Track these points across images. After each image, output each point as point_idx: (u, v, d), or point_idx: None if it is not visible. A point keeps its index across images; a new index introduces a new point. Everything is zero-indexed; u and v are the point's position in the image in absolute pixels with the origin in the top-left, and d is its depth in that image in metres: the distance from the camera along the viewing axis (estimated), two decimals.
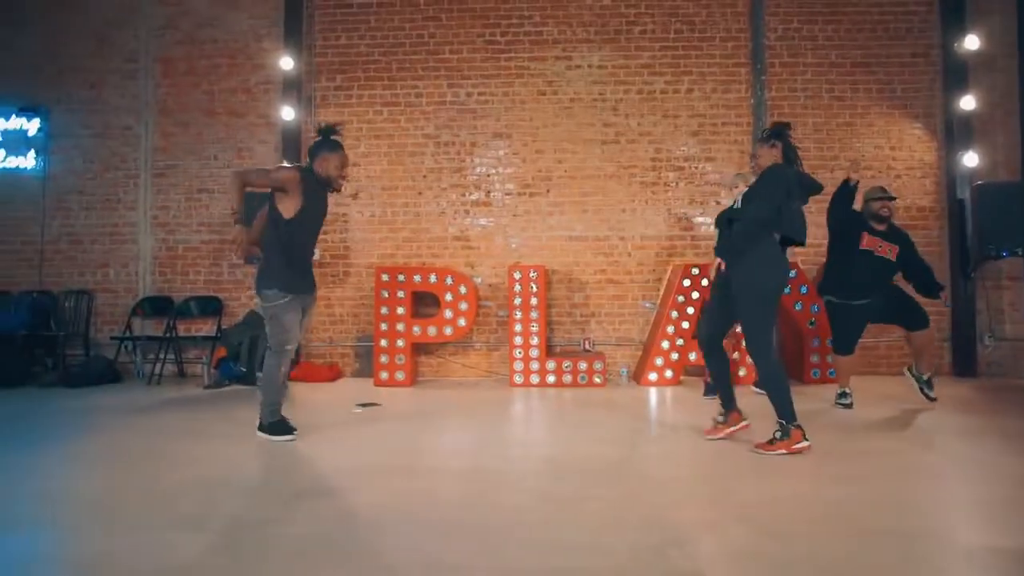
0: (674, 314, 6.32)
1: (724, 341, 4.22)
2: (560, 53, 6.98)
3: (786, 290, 5.65)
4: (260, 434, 4.01)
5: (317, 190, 3.93)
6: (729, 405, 4.03)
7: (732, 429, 3.98)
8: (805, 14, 6.91)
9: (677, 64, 6.95)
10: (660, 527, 2.56)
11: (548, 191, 6.97)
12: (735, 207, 3.99)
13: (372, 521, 2.66)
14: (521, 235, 6.97)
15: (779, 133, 3.93)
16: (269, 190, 3.87)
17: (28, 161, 7.12)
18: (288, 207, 3.83)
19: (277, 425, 4.00)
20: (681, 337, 6.32)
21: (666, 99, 6.95)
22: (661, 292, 6.83)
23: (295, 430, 4.03)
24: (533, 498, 2.98)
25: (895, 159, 6.86)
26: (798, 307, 6.24)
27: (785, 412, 3.64)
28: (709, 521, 2.64)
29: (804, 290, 6.24)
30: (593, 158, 6.95)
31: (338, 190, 4.04)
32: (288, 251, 3.88)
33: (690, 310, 6.30)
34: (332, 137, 3.96)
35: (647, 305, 6.84)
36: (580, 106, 6.98)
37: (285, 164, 3.73)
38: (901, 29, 6.88)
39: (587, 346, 6.77)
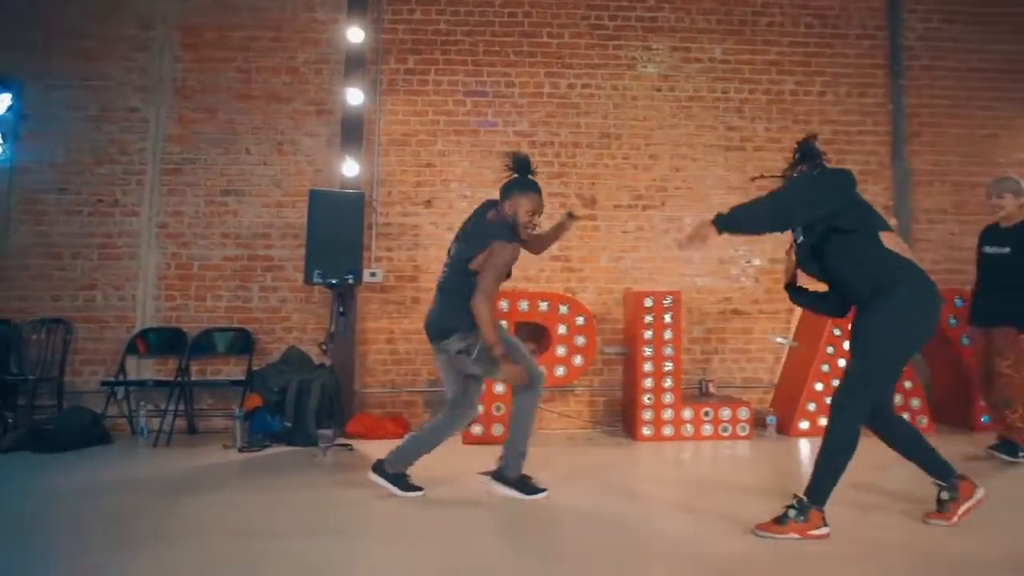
0: (830, 349, 5.28)
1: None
2: (677, 43, 5.92)
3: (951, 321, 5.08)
4: (374, 477, 3.39)
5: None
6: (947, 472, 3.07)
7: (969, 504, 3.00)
8: (945, 12, 6.13)
9: (808, 63, 6.00)
10: None
11: (663, 204, 5.83)
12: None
13: None
14: (631, 256, 5.77)
15: None
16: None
17: None
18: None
19: (404, 480, 3.43)
20: (837, 377, 5.26)
21: (796, 102, 5.98)
22: (794, 325, 5.78)
23: (422, 489, 3.44)
24: None
25: None
26: (965, 342, 5.32)
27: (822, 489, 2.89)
28: None
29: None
30: (716, 167, 5.87)
31: (523, 239, 3.40)
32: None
33: (846, 344, 5.27)
34: (529, 176, 3.40)
35: (779, 340, 5.74)
36: (700, 106, 5.91)
37: (503, 243, 3.22)
38: None
39: (711, 389, 5.58)
